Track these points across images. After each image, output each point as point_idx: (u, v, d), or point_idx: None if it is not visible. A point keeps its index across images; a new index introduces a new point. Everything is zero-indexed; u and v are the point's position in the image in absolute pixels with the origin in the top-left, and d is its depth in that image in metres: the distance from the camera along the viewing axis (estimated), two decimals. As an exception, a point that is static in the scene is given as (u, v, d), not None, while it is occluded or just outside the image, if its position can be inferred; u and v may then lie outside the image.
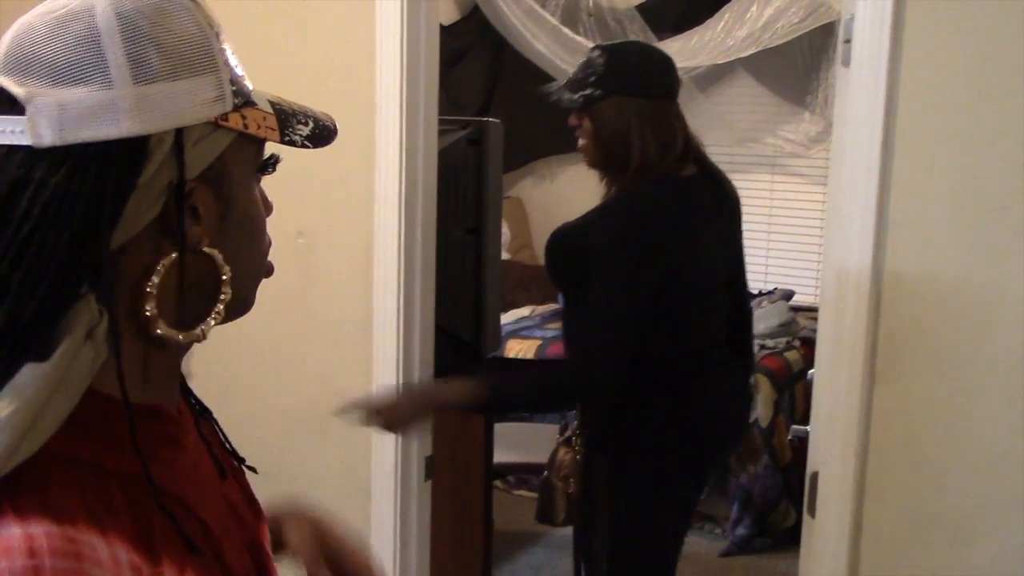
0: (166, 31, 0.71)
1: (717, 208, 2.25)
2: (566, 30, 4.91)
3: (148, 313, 0.73)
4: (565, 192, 6.12)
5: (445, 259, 2.49)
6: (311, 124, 0.81)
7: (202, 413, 0.89)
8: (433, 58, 2.23)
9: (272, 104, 0.80)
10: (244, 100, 0.76)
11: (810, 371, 2.04)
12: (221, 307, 0.77)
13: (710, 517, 4.43)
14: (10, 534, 0.62)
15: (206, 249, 0.75)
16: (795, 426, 2.14)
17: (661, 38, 4.98)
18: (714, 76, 5.27)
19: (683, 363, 2.16)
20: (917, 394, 1.77)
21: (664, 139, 2.09)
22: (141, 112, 0.69)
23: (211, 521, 0.79)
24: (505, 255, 5.71)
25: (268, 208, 0.84)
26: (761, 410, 4.24)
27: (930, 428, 1.77)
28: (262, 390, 2.39)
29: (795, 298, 5.13)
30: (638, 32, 5.03)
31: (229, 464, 0.89)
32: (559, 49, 4.96)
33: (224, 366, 2.43)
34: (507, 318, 5.14)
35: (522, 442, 3.97)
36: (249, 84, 0.78)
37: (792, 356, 4.57)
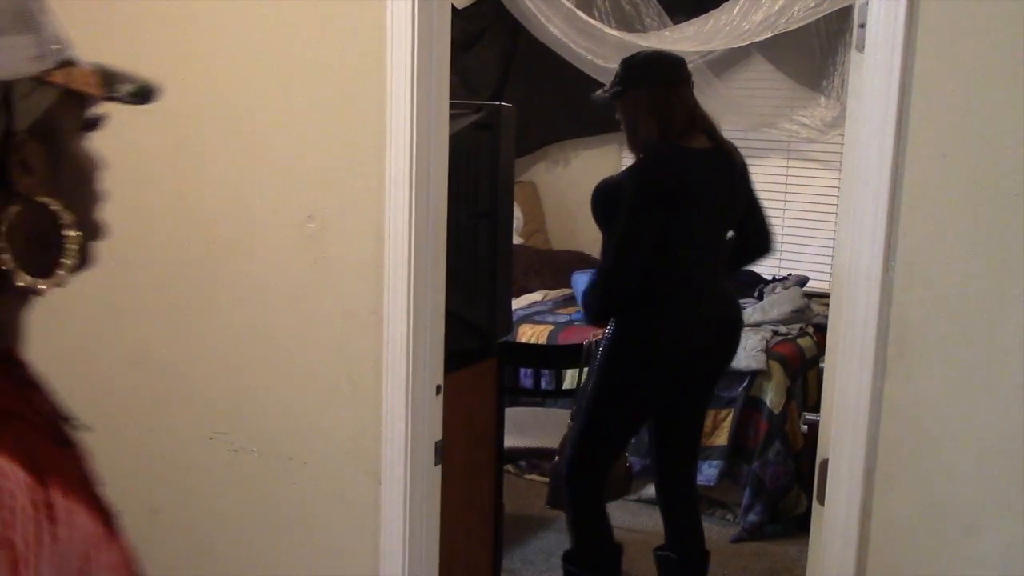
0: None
1: (723, 174, 2.95)
2: (581, 14, 4.88)
3: (5, 266, 0.77)
4: (579, 176, 6.11)
5: (457, 244, 2.49)
6: (136, 85, 0.84)
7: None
8: (445, 42, 2.22)
9: (97, 66, 0.84)
10: (67, 59, 0.81)
11: (823, 358, 2.03)
12: (72, 252, 0.81)
13: (721, 503, 4.43)
14: None
15: (39, 199, 0.79)
16: (806, 413, 2.14)
17: (676, 22, 4.95)
18: (729, 61, 5.25)
19: (679, 288, 2.91)
20: (928, 382, 1.76)
21: (663, 118, 2.86)
22: None
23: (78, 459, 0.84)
24: (518, 240, 5.70)
25: (98, 164, 0.88)
26: (773, 397, 4.24)
27: (940, 416, 1.76)
28: (272, 375, 2.39)
29: (809, 284, 5.12)
30: (653, 16, 5.00)
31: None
32: (574, 33, 4.94)
33: (234, 349, 2.44)
34: (520, 303, 5.14)
35: (534, 427, 3.98)
36: (72, 51, 0.82)
37: (805, 343, 4.56)
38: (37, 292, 0.80)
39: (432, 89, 2.18)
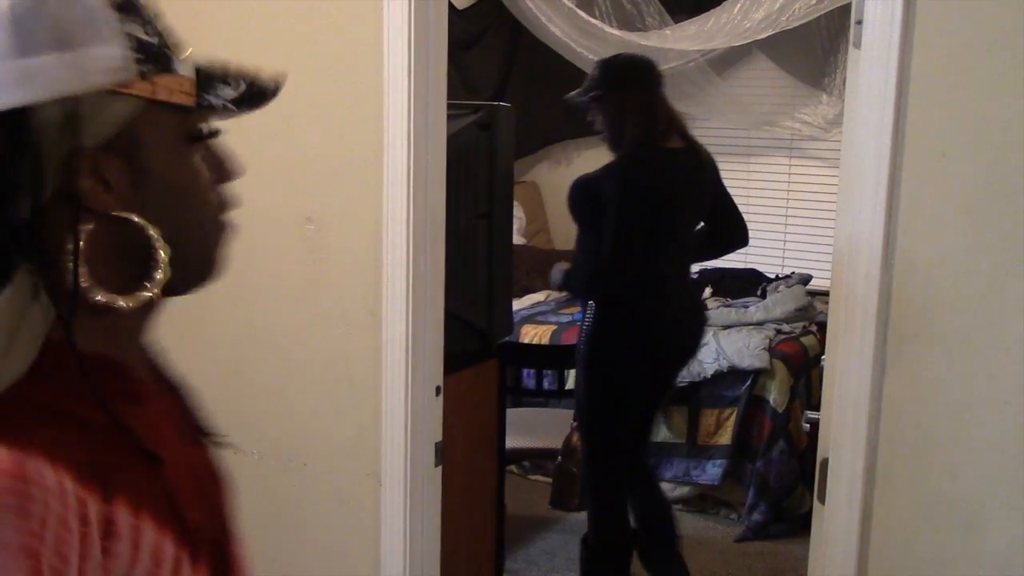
0: (55, 7, 0.73)
1: (696, 172, 3.11)
2: (582, 13, 4.88)
3: (84, 283, 0.76)
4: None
5: (456, 244, 2.48)
6: (243, 86, 0.82)
7: (173, 387, 0.94)
8: (442, 41, 2.22)
9: (198, 69, 0.81)
10: (158, 68, 0.77)
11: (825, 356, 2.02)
12: (160, 268, 0.79)
13: (725, 503, 4.42)
14: None
15: (117, 214, 0.78)
16: (808, 412, 2.13)
17: (677, 20, 4.94)
18: (731, 59, 5.24)
19: (655, 283, 3.04)
20: (928, 380, 1.75)
21: (648, 120, 3.02)
22: (26, 83, 0.72)
23: (172, 479, 0.82)
24: (521, 240, 5.70)
25: (224, 174, 0.86)
26: (777, 395, 4.23)
27: (941, 414, 1.75)
28: (271, 375, 2.39)
29: (813, 282, 5.11)
30: (654, 15, 5.00)
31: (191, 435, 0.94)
32: (575, 33, 4.93)
33: (232, 350, 2.44)
34: (522, 303, 5.14)
35: (537, 427, 3.98)
36: (175, 53, 0.79)
37: (808, 341, 4.55)
38: (118, 308, 0.78)
39: (430, 89, 2.18)
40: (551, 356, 4.16)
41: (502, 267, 2.83)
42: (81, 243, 0.76)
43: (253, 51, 2.29)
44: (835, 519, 1.85)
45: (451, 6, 4.20)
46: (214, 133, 0.84)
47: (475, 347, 2.81)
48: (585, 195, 3.03)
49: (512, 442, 3.42)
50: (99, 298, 0.77)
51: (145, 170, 0.79)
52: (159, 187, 0.80)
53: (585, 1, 4.99)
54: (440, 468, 2.33)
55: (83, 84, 0.74)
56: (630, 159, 3.01)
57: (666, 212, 2.98)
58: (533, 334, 4.76)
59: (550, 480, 3.77)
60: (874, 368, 1.77)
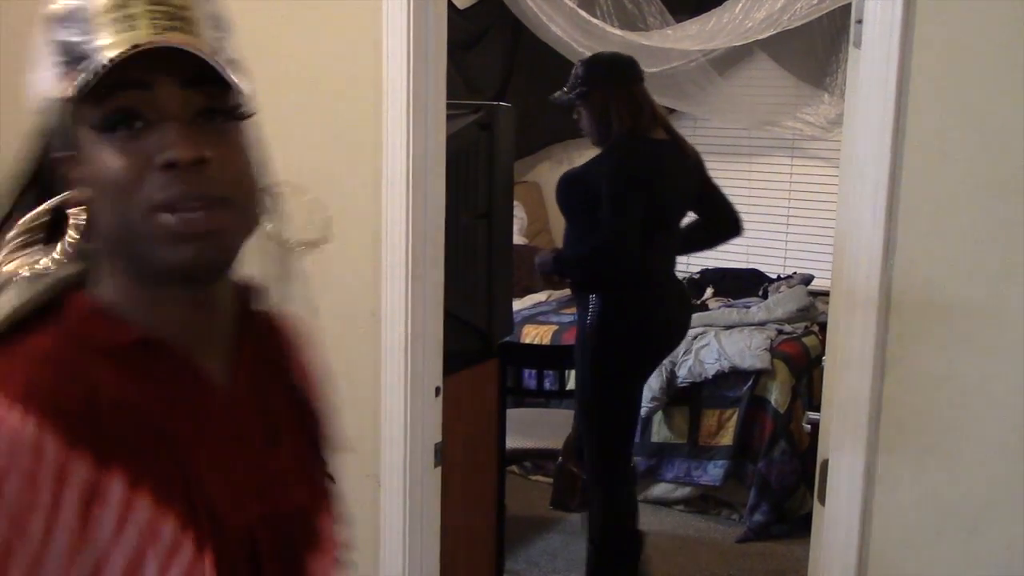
0: (36, 32, 0.85)
1: (678, 164, 3.18)
2: (583, 13, 4.87)
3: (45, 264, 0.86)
4: (583, 176, 6.09)
5: (456, 244, 2.48)
6: (87, 70, 0.80)
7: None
8: (441, 41, 2.21)
9: (93, 58, 0.81)
10: (72, 67, 0.82)
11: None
12: (59, 247, 0.85)
13: (727, 503, 4.41)
14: None
15: (69, 211, 0.85)
16: (809, 412, 2.12)
17: (679, 20, 4.93)
18: (732, 58, 5.22)
19: (650, 273, 3.12)
20: (928, 381, 1.74)
21: (635, 113, 3.10)
22: (31, 99, 0.86)
23: (204, 463, 0.86)
24: (522, 240, 5.69)
25: (109, 167, 0.83)
26: (779, 396, 4.22)
27: (942, 415, 1.74)
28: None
29: (815, 282, 5.10)
30: (656, 15, 4.98)
31: (289, 434, 0.97)
32: (576, 32, 4.92)
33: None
34: (524, 303, 5.13)
35: (537, 428, 3.97)
36: (92, 48, 0.81)
37: (810, 341, 4.54)
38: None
39: (429, 89, 2.17)
40: (552, 356, 4.15)
41: (502, 267, 2.83)
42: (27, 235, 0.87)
43: (252, 51, 2.28)
44: (835, 520, 1.84)
45: (452, 6, 4.20)
46: (110, 121, 0.83)
47: (475, 347, 2.81)
48: (577, 188, 3.09)
49: (512, 442, 3.41)
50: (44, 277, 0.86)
51: (83, 164, 0.84)
52: (89, 182, 0.84)
53: (586, 1, 4.98)
54: (440, 469, 2.33)
55: (47, 90, 0.84)
56: (620, 148, 3.08)
57: (655, 202, 3.05)
58: (534, 334, 4.75)
59: (551, 480, 3.76)
60: (874, 368, 1.76)
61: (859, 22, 1.76)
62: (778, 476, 4.17)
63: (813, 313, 4.76)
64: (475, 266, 2.74)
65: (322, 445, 1.02)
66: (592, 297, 3.11)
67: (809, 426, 2.09)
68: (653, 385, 4.36)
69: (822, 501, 1.89)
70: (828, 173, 5.28)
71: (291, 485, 0.95)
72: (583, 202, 3.03)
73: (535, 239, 6.03)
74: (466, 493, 2.81)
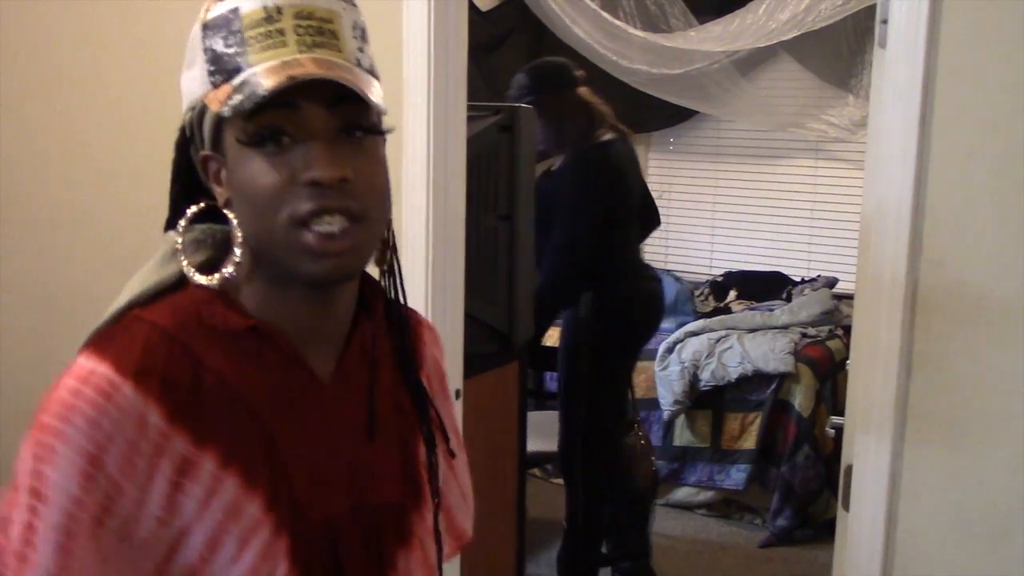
0: (197, 31, 0.90)
1: (628, 159, 3.33)
2: (606, 15, 4.84)
3: (183, 259, 0.93)
4: (605, 178, 6.07)
5: (477, 246, 2.47)
6: (247, 92, 0.84)
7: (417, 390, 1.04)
8: (462, 43, 2.20)
9: (248, 76, 0.86)
10: (223, 79, 0.87)
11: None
12: (232, 262, 0.91)
13: (750, 508, 4.38)
14: (84, 363, 0.86)
15: (225, 210, 0.92)
16: (833, 417, 2.10)
17: (702, 21, 4.90)
18: (756, 60, 5.18)
19: (619, 269, 3.33)
20: (954, 387, 1.72)
21: (587, 114, 3.23)
22: (184, 95, 0.93)
23: (294, 450, 0.91)
24: (544, 242, 5.67)
25: (254, 178, 0.88)
26: (802, 400, 4.19)
27: (968, 421, 1.71)
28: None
29: (839, 286, 5.05)
30: (679, 16, 4.96)
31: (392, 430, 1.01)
32: (599, 34, 4.90)
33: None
34: (545, 306, 5.11)
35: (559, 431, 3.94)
36: (245, 62, 0.87)
37: (835, 345, 4.50)
38: (208, 285, 0.92)
39: (449, 91, 2.16)
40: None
41: (523, 269, 2.81)
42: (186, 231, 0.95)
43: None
44: (859, 526, 1.82)
45: (474, 8, 4.19)
46: (259, 136, 0.87)
47: (496, 350, 2.79)
48: (539, 203, 2.99)
49: (534, 445, 3.40)
50: (190, 274, 0.92)
51: (230, 173, 0.90)
52: (234, 189, 0.90)
53: (609, 3, 4.96)
54: (459, 472, 2.31)
55: (197, 95, 0.90)
56: (578, 159, 3.22)
57: (623, 200, 3.27)
58: (557, 337, 4.73)
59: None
60: (899, 372, 1.74)
61: (884, 22, 1.74)
62: (802, 481, 4.14)
63: (837, 316, 4.72)
64: (496, 268, 2.73)
65: (432, 442, 1.04)
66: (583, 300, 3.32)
67: (833, 431, 2.07)
68: (676, 388, 4.34)
69: (846, 507, 1.86)
70: (853, 175, 5.23)
71: (385, 480, 0.98)
72: (544, 215, 3.04)
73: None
74: (487, 497, 2.79)
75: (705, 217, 5.77)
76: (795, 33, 4.57)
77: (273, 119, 0.85)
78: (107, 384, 0.84)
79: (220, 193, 0.91)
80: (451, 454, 1.11)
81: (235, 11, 0.87)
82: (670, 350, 4.44)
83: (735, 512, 4.43)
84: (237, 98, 0.83)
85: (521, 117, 2.74)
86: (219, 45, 0.87)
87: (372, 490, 0.97)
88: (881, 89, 1.76)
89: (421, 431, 1.03)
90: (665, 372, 4.39)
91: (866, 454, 1.79)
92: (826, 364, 4.34)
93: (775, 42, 4.74)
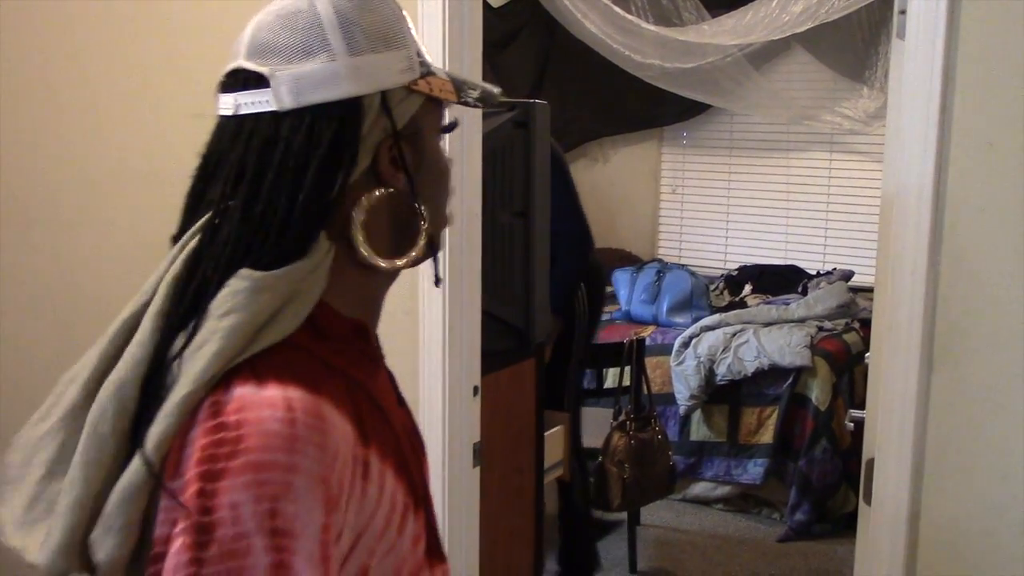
0: (369, 17, 0.91)
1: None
2: (618, 9, 4.83)
3: (359, 238, 0.91)
4: (618, 174, 6.06)
5: (493, 243, 2.46)
6: (479, 90, 0.98)
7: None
8: (477, 39, 2.20)
9: (447, 74, 0.97)
10: (427, 70, 0.94)
11: (868, 354, 1.98)
12: (421, 242, 0.95)
13: (767, 502, 4.37)
14: (273, 394, 0.82)
15: (402, 191, 0.93)
16: (852, 411, 2.09)
17: (715, 15, 4.89)
18: (769, 52, 5.17)
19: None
20: (977, 379, 1.71)
21: None
22: (355, 78, 0.90)
23: (401, 434, 0.97)
24: (558, 238, 5.66)
25: (448, 164, 1.00)
26: (819, 393, 4.17)
27: (991, 414, 1.70)
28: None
29: (855, 278, 5.04)
30: (691, 9, 4.94)
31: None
32: (611, 29, 4.89)
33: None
34: (560, 302, 5.10)
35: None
36: (428, 57, 0.95)
37: (851, 338, 4.48)
38: (390, 270, 0.94)
39: (464, 87, 2.16)
40: (590, 355, 4.13)
41: (540, 266, 2.81)
42: (363, 215, 0.92)
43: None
44: (882, 520, 1.81)
45: (486, 4, 4.19)
46: (454, 125, 1.01)
47: (513, 347, 2.79)
48: None
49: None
50: (365, 253, 0.92)
51: (423, 155, 0.95)
52: (429, 171, 0.96)
53: (621, -3, 4.95)
54: (478, 469, 2.31)
55: (391, 82, 0.91)
56: (555, 151, 3.26)
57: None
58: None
59: (590, 480, 3.74)
60: (921, 367, 1.73)
61: (903, 13, 1.73)
62: (819, 475, 4.13)
63: (854, 309, 4.70)
64: (512, 265, 2.73)
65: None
66: None
67: (852, 424, 2.06)
68: (692, 383, 4.33)
69: (868, 501, 1.85)
70: (868, 167, 5.21)
71: (419, 441, 1.06)
72: None
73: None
74: (505, 493, 2.79)
75: (719, 211, 5.76)
76: (809, 25, 4.55)
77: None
78: (312, 406, 0.82)
79: (398, 178, 0.93)
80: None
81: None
82: (686, 345, 4.43)
83: (753, 507, 4.42)
84: (474, 93, 0.97)
85: (536, 113, 2.73)
86: (415, 36, 0.95)
87: (417, 457, 1.03)
88: (900, 80, 1.75)
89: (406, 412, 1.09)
90: (681, 367, 4.38)
91: (888, 447, 1.78)
92: (843, 357, 4.32)
93: (788, 35, 4.72)
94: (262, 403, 0.81)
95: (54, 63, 2.77)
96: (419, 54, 0.94)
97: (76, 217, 2.82)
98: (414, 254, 0.95)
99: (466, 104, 0.96)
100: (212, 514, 0.77)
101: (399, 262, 0.94)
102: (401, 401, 1.03)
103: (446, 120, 1.00)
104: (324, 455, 0.80)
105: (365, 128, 0.89)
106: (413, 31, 0.95)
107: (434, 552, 1.00)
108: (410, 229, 0.95)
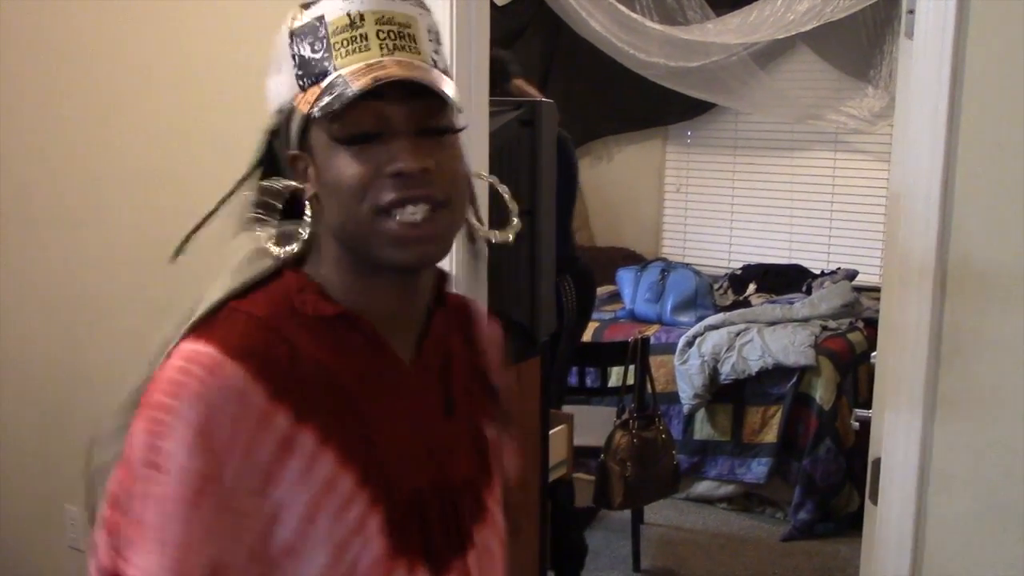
0: (276, 41, 0.98)
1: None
2: (623, 8, 4.83)
3: (260, 233, 0.99)
4: (622, 172, 6.06)
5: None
6: (334, 95, 0.91)
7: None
8: (483, 38, 2.20)
9: (334, 79, 0.92)
10: (311, 82, 0.94)
11: (874, 353, 1.98)
12: (296, 240, 0.97)
13: (771, 501, 4.37)
14: (185, 347, 0.92)
15: (306, 200, 0.98)
16: (858, 410, 2.09)
17: (719, 14, 4.89)
18: (774, 51, 5.17)
19: None
20: (984, 379, 1.70)
21: None
22: (270, 99, 0.99)
23: (382, 429, 0.97)
24: (562, 236, 5.66)
25: (348, 177, 0.94)
26: (823, 393, 4.17)
27: (998, 414, 1.70)
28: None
29: (859, 278, 5.04)
30: (696, 8, 4.94)
31: (465, 410, 1.07)
32: (616, 28, 4.89)
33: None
34: (564, 300, 5.10)
35: (579, 425, 3.94)
36: (331, 66, 0.93)
37: (855, 338, 4.48)
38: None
39: (471, 86, 2.16)
40: (593, 353, 4.13)
41: (546, 264, 2.81)
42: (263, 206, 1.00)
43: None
44: (888, 520, 1.81)
45: (491, 3, 4.18)
46: (361, 136, 0.93)
47: (518, 345, 2.79)
48: None
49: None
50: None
51: (318, 169, 0.96)
52: (323, 184, 0.95)
53: (626, -5, 4.95)
54: (484, 467, 2.31)
55: (279, 99, 0.97)
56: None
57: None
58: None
59: (592, 478, 3.74)
60: (928, 366, 1.72)
61: (911, 12, 1.72)
62: (823, 474, 4.13)
63: (858, 309, 4.70)
64: (518, 263, 2.73)
65: (496, 422, 1.11)
66: None
67: (858, 424, 2.06)
68: (696, 382, 4.33)
69: (874, 500, 1.85)
70: (872, 167, 5.21)
71: (461, 457, 1.04)
72: None
73: (575, 236, 6.00)
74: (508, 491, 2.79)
75: (723, 210, 5.76)
76: (814, 24, 4.55)
77: (360, 118, 0.91)
78: (211, 361, 0.89)
79: (307, 189, 0.97)
80: (507, 430, 1.17)
81: (321, 19, 0.94)
82: (690, 344, 4.43)
83: (756, 506, 4.42)
84: (326, 99, 0.90)
85: (542, 112, 2.73)
86: (306, 51, 0.94)
87: (450, 467, 1.02)
88: (908, 80, 1.75)
89: (490, 413, 1.11)
90: (685, 366, 4.38)
91: (895, 446, 1.78)
92: (847, 357, 4.32)
93: (793, 34, 4.72)
94: (178, 353, 0.92)
95: (61, 63, 2.78)
96: (305, 66, 0.95)
97: (83, 216, 2.82)
98: (293, 247, 0.98)
99: (322, 112, 0.92)
100: (128, 441, 0.90)
101: (278, 250, 0.98)
102: (450, 408, 1.05)
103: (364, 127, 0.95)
104: (203, 405, 0.87)
105: (283, 144, 0.99)
106: (310, 39, 0.95)
107: (416, 552, 0.97)
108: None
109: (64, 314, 2.91)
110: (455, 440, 1.04)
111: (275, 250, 0.97)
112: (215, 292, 0.97)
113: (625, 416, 3.68)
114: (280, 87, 0.97)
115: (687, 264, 5.42)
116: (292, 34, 0.96)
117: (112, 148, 2.72)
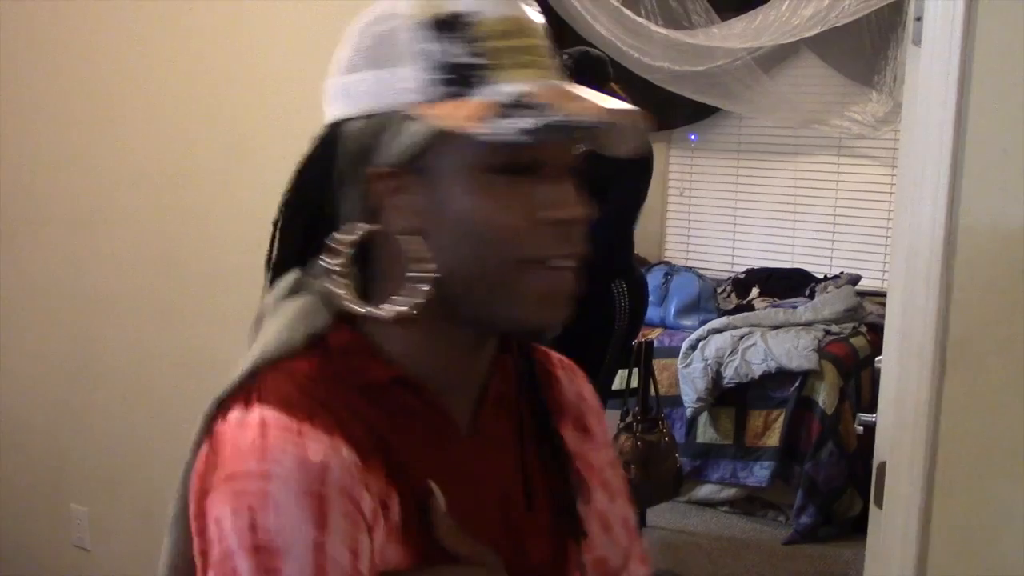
0: (365, 33, 0.79)
1: None
2: (628, 12, 4.84)
3: (330, 287, 0.80)
4: (626, 176, 6.06)
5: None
6: (544, 118, 0.72)
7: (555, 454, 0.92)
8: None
9: (521, 96, 0.73)
10: (462, 90, 0.75)
11: (877, 358, 1.99)
12: (413, 295, 0.78)
13: (773, 505, 4.38)
14: (237, 417, 0.76)
15: (399, 236, 0.78)
16: (861, 414, 2.09)
17: (724, 18, 4.89)
18: (778, 56, 5.17)
19: None
20: (989, 384, 1.71)
21: None
22: (343, 99, 0.79)
23: (450, 504, 0.80)
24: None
25: (488, 219, 0.76)
26: (826, 397, 4.18)
27: (1004, 418, 1.71)
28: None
29: (862, 283, 5.04)
30: (701, 13, 4.95)
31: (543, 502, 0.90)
32: (620, 31, 4.90)
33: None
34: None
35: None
36: (494, 76, 0.75)
37: (858, 342, 4.49)
38: (377, 317, 0.79)
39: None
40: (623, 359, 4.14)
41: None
42: (345, 255, 0.80)
43: (300, 55, 2.30)
44: (893, 524, 1.82)
45: (497, 6, 4.20)
46: (534, 164, 0.76)
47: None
48: None
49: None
50: (352, 307, 0.80)
51: (437, 198, 0.77)
52: (447, 218, 0.76)
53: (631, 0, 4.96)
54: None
55: (382, 102, 0.77)
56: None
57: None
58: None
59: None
60: (934, 371, 1.73)
61: (919, 19, 1.73)
62: (826, 478, 4.14)
63: (861, 313, 4.71)
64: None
65: (576, 493, 0.93)
66: None
67: (862, 428, 2.06)
68: (699, 385, 4.34)
69: (879, 504, 1.86)
70: (876, 172, 5.22)
71: (540, 537, 0.89)
72: None
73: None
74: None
75: (727, 214, 5.76)
76: (818, 29, 4.56)
77: (536, 149, 0.74)
78: (288, 423, 0.74)
79: (394, 218, 0.78)
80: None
81: (471, 15, 0.75)
82: (693, 347, 4.44)
83: (759, 509, 4.43)
84: (522, 122, 0.71)
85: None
86: (449, 49, 0.75)
87: (519, 552, 0.86)
88: (915, 86, 1.76)
89: (564, 484, 0.92)
90: (688, 369, 4.39)
91: (900, 451, 1.79)
92: (850, 361, 4.33)
93: (798, 39, 4.72)
94: (241, 422, 0.75)
95: (68, 63, 2.79)
96: (452, 69, 0.75)
97: (89, 217, 2.83)
98: (404, 307, 0.78)
99: (495, 138, 0.72)
100: (204, 534, 0.74)
101: (375, 311, 0.79)
102: (529, 493, 0.88)
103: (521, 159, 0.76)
104: (304, 467, 0.72)
105: (343, 157, 0.79)
106: (457, 39, 0.76)
107: None
108: (396, 277, 0.79)
109: (69, 313, 2.92)
110: (527, 519, 0.88)
111: (361, 309, 0.80)
112: (269, 347, 0.80)
113: (629, 419, 3.70)
114: (379, 87, 0.77)
115: (690, 268, 5.43)
116: (427, 26, 0.76)
117: (118, 148, 2.74)
